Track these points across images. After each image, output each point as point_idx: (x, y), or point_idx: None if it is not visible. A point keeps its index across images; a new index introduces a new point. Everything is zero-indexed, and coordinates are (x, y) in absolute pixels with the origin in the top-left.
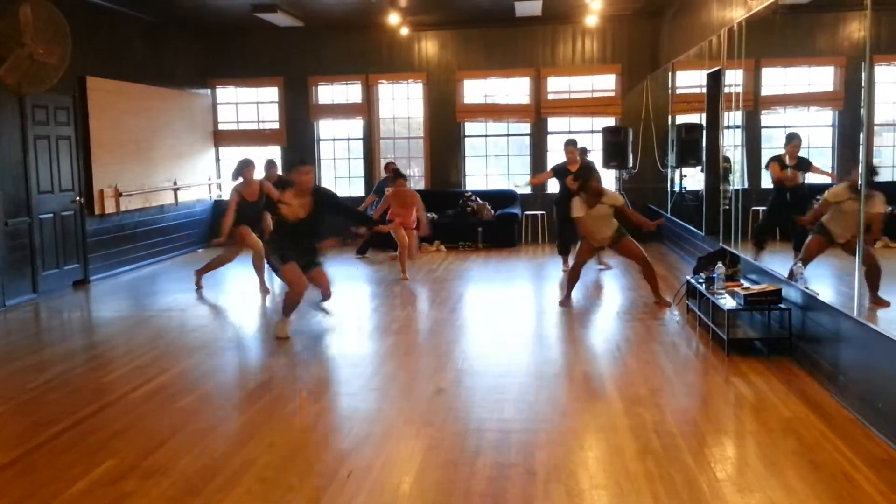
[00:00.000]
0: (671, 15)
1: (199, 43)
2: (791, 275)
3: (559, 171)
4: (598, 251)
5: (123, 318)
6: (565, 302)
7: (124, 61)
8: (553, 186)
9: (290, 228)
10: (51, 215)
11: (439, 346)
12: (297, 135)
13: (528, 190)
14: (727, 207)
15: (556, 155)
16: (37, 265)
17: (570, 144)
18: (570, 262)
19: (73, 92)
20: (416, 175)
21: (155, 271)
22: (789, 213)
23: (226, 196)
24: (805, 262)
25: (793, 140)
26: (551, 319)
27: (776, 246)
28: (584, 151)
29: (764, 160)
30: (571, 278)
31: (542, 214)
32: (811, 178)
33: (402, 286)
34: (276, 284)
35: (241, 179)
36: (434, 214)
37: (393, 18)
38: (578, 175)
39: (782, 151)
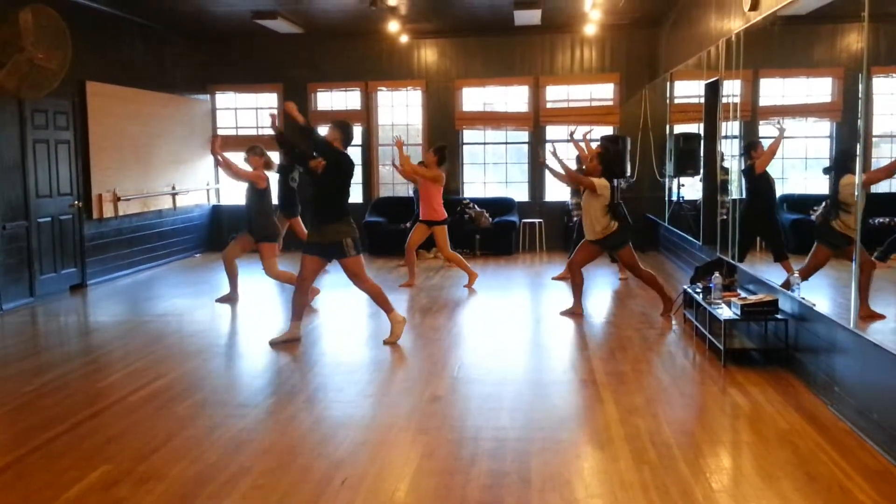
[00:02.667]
0: (669, 25)
1: (199, 48)
2: (786, 284)
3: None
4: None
5: (120, 322)
6: (577, 310)
7: (124, 66)
8: (552, 195)
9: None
10: (49, 219)
11: (435, 354)
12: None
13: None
14: (725, 217)
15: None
16: (34, 269)
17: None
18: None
19: (72, 96)
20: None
21: (152, 276)
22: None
23: (224, 201)
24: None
25: (757, 148)
26: (547, 328)
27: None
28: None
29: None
30: (575, 283)
31: (539, 222)
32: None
33: (399, 293)
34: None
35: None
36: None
37: (392, 26)
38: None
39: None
